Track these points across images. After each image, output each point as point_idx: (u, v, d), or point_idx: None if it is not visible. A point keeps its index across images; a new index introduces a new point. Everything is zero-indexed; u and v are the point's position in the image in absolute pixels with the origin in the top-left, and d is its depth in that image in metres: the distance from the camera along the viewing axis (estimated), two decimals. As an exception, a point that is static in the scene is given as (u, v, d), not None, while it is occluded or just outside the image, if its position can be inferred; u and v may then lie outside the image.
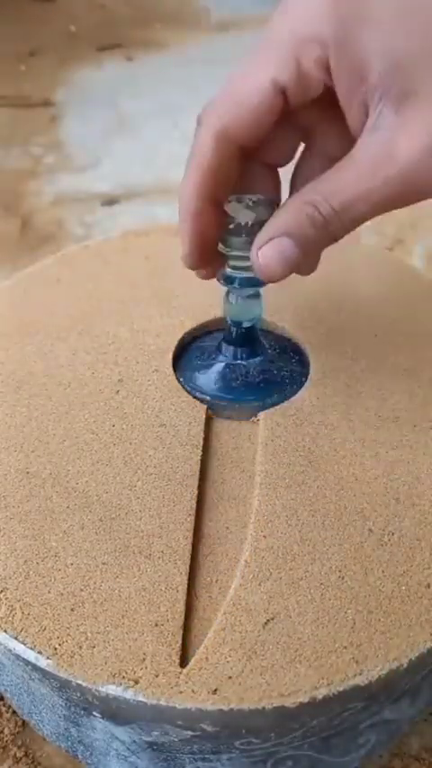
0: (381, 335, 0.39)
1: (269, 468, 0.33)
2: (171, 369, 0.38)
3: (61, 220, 0.75)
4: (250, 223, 0.30)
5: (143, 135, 0.89)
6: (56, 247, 0.70)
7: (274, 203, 0.31)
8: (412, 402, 0.36)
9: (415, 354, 0.38)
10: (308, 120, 0.29)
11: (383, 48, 0.25)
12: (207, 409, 0.36)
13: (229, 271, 0.33)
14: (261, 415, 0.35)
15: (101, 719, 0.29)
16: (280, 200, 0.32)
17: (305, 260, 0.29)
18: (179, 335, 0.39)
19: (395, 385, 0.37)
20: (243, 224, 0.31)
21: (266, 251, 0.29)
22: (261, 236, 0.29)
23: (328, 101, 0.27)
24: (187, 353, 0.39)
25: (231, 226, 0.31)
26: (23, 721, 0.37)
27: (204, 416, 0.35)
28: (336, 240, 0.29)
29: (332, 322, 0.40)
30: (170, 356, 0.38)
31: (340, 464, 0.33)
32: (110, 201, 0.77)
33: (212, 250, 0.32)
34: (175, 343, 0.39)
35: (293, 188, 0.31)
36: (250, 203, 0.31)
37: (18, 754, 0.36)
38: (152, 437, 0.34)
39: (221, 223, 0.31)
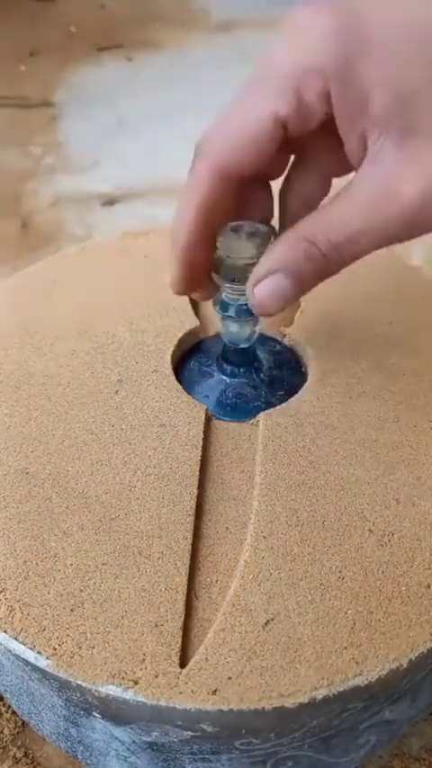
0: (381, 335, 0.39)
1: (269, 468, 0.33)
2: (170, 369, 0.38)
3: (61, 221, 0.75)
4: (245, 263, 0.30)
5: (143, 135, 0.89)
6: (56, 247, 0.70)
7: (270, 234, 0.30)
8: (413, 402, 0.36)
9: (415, 355, 0.38)
10: (303, 140, 0.28)
11: (385, 79, 0.24)
12: (207, 409, 0.36)
13: (224, 297, 0.33)
14: (261, 415, 0.35)
15: (100, 720, 0.29)
16: (274, 226, 0.31)
17: (302, 294, 0.29)
18: (178, 336, 0.39)
19: (395, 385, 0.37)
20: (239, 262, 0.30)
21: (262, 288, 0.28)
22: (257, 272, 0.28)
23: (326, 125, 0.27)
24: (190, 355, 0.39)
25: (227, 259, 0.30)
26: (23, 721, 0.37)
27: (204, 417, 0.35)
28: (333, 275, 0.28)
29: (332, 322, 0.40)
30: (169, 356, 0.38)
31: (340, 464, 0.33)
32: (110, 202, 0.77)
33: (204, 277, 0.31)
34: (175, 342, 0.39)
35: (283, 201, 0.30)
36: (245, 236, 0.30)
37: (18, 755, 0.36)
38: (152, 437, 0.34)
39: (214, 253, 0.30)
